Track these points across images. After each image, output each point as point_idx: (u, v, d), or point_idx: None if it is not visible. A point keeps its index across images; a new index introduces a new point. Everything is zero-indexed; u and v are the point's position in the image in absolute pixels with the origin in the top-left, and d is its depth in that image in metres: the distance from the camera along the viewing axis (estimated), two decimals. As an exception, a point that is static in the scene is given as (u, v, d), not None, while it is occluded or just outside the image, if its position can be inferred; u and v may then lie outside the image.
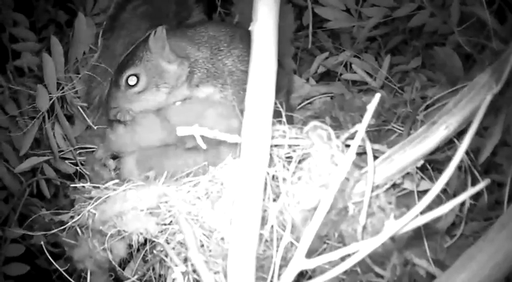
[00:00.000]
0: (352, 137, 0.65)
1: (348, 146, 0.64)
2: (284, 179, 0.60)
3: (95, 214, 0.63)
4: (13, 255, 0.94)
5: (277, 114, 0.60)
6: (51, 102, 0.77)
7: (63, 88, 0.79)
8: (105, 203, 0.63)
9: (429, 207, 0.47)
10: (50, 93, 0.78)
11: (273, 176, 0.61)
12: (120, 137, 0.75)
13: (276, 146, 0.62)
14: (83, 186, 0.69)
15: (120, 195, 0.62)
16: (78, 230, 0.68)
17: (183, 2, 0.89)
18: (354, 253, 0.47)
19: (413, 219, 0.46)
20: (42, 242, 0.71)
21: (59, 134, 0.83)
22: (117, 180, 0.68)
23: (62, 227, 0.68)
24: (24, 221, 1.00)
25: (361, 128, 0.51)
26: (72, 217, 0.67)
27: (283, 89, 0.81)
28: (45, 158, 0.87)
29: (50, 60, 0.75)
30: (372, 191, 0.63)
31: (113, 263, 0.67)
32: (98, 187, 0.67)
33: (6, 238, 0.94)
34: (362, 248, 0.47)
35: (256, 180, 0.52)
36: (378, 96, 0.50)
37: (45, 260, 0.99)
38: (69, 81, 0.80)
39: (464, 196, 0.45)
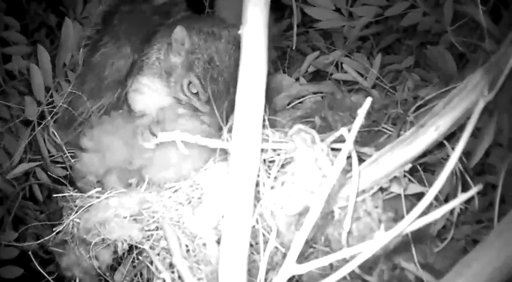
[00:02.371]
0: (337, 140, 0.64)
1: (333, 149, 0.63)
2: (264, 184, 0.59)
3: (79, 223, 0.63)
4: (7, 258, 0.94)
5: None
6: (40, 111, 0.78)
7: (52, 95, 0.79)
8: (89, 212, 0.63)
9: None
10: (39, 101, 0.78)
11: (256, 181, 0.60)
12: (86, 164, 0.74)
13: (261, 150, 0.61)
14: (71, 195, 0.69)
15: (102, 203, 0.62)
16: (66, 238, 0.68)
17: (166, 12, 0.86)
18: (344, 261, 0.47)
19: (404, 229, 0.45)
20: (30, 252, 0.71)
21: (49, 139, 0.83)
22: (99, 189, 0.67)
23: (48, 237, 0.68)
24: (18, 223, 1.01)
25: (349, 137, 0.50)
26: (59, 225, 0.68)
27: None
28: (37, 163, 0.87)
29: (37, 71, 0.75)
30: (358, 195, 0.63)
31: (98, 271, 0.67)
32: (81, 196, 0.67)
33: (0, 241, 0.94)
34: (351, 256, 0.46)
35: (246, 186, 0.51)
36: (369, 100, 0.49)
37: (39, 263, 1.00)
38: (58, 86, 0.80)
39: (455, 202, 0.45)
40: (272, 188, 0.59)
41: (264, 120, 0.61)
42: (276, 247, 0.61)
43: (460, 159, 0.70)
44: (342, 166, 0.49)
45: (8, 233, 0.95)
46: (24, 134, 0.82)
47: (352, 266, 0.46)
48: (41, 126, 0.82)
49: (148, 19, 0.81)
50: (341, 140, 0.61)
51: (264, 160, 0.61)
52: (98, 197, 0.64)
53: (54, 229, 0.69)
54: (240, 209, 0.51)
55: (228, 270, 0.51)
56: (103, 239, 0.63)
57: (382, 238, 0.45)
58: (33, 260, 0.72)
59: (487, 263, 0.48)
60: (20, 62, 0.88)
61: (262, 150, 0.61)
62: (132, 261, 0.72)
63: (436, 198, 0.68)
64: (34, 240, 0.88)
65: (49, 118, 0.80)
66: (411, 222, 0.45)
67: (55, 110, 0.79)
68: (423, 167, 0.72)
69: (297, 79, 0.94)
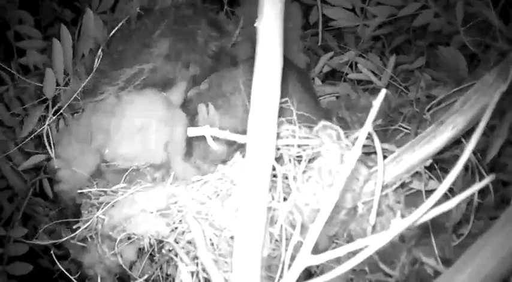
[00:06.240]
0: (361, 136, 0.65)
1: (357, 145, 0.64)
2: (294, 178, 0.59)
3: (103, 219, 0.63)
4: (16, 254, 0.93)
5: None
6: (58, 91, 0.76)
7: (69, 80, 0.78)
8: (114, 208, 0.63)
9: (436, 205, 0.47)
10: (57, 83, 0.77)
11: (283, 176, 0.61)
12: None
13: (287, 145, 0.62)
14: (90, 191, 0.68)
15: (128, 199, 0.62)
16: (89, 235, 0.67)
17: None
18: (360, 250, 0.47)
19: (420, 217, 0.46)
20: (50, 247, 0.71)
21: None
22: (124, 184, 0.67)
23: (71, 235, 0.68)
24: (27, 220, 1.00)
25: (367, 123, 0.51)
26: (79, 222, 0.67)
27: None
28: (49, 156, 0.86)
29: (59, 47, 0.74)
30: (381, 190, 0.64)
31: (124, 267, 0.66)
32: (105, 191, 0.66)
33: (10, 237, 0.93)
34: (369, 245, 0.47)
35: (261, 179, 0.52)
36: (383, 92, 0.49)
37: (48, 259, 1.00)
38: (76, 75, 0.79)
39: (470, 191, 0.45)
40: (300, 182, 0.60)
41: (291, 116, 0.62)
42: (301, 243, 0.61)
43: (476, 157, 0.72)
44: (360, 150, 0.49)
45: (17, 229, 0.94)
46: (33, 114, 0.80)
47: (370, 251, 0.46)
48: (55, 108, 0.79)
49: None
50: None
51: (291, 155, 0.61)
52: (123, 193, 0.63)
53: (75, 226, 0.68)
54: (255, 203, 0.51)
55: (242, 264, 0.51)
56: (128, 235, 0.62)
57: (399, 225, 0.45)
58: (53, 255, 0.71)
59: (493, 253, 0.49)
60: (35, 56, 0.88)
61: (288, 145, 0.63)
62: (151, 256, 0.72)
63: (453, 194, 0.70)
64: (47, 236, 0.87)
65: (63, 100, 0.77)
66: (428, 210, 0.46)
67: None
68: (439, 165, 0.73)
69: (312, 79, 0.95)
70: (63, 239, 0.69)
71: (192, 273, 0.62)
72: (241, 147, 0.63)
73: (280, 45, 0.53)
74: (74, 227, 0.70)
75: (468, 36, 0.86)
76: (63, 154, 0.75)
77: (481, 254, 0.49)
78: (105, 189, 0.66)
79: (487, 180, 0.44)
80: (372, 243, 0.46)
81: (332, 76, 0.98)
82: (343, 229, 0.65)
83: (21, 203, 0.94)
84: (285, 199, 0.61)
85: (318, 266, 0.67)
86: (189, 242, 0.63)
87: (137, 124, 0.68)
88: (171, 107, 0.71)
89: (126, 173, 0.66)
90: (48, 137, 0.78)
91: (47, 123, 0.77)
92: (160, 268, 0.72)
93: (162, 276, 0.72)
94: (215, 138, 0.64)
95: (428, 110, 0.79)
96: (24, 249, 0.94)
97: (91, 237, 0.68)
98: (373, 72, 0.90)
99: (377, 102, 0.49)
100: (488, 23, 0.84)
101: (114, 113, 0.69)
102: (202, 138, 0.66)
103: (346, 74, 0.93)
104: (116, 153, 0.69)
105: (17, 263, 0.93)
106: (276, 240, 0.63)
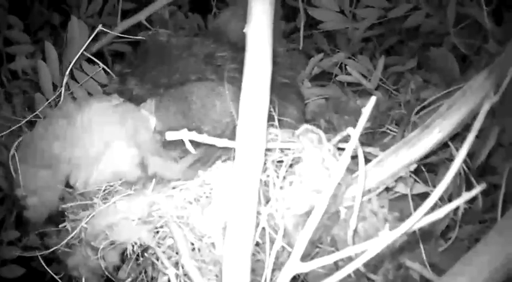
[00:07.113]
0: (344, 140, 0.65)
1: (340, 148, 0.64)
2: (274, 184, 0.59)
3: (86, 228, 0.63)
4: (9, 257, 0.94)
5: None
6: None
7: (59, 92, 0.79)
8: (95, 217, 0.63)
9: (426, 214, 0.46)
10: (47, 98, 0.77)
11: (264, 181, 0.61)
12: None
13: (268, 150, 0.62)
14: (72, 194, 0.68)
15: (110, 208, 0.61)
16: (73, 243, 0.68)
17: None
18: (349, 260, 0.47)
19: (410, 228, 0.45)
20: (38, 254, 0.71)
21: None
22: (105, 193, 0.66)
23: (58, 246, 0.68)
24: (20, 223, 1.00)
25: (354, 133, 0.50)
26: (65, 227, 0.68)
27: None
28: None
29: (45, 68, 0.74)
30: (364, 195, 0.63)
31: (105, 271, 0.66)
32: (85, 199, 0.66)
33: (2, 240, 0.94)
34: (357, 256, 0.46)
35: (250, 185, 0.51)
36: (373, 99, 0.49)
37: (40, 262, 1.00)
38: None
39: (459, 201, 0.45)
40: (281, 188, 0.59)
41: (273, 121, 0.62)
42: (283, 247, 0.61)
43: (464, 160, 0.70)
44: (347, 162, 0.49)
45: (9, 232, 0.95)
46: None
47: (357, 264, 0.46)
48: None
49: None
50: (347, 140, 0.62)
51: (273, 160, 0.61)
52: (105, 202, 0.63)
53: (60, 226, 0.69)
54: (244, 209, 0.51)
55: (232, 270, 0.51)
56: (111, 242, 0.62)
57: (387, 237, 0.45)
58: (40, 259, 0.72)
59: (488, 261, 0.48)
60: (24, 61, 0.88)
61: (270, 150, 0.62)
62: (137, 259, 0.72)
63: (441, 198, 0.69)
64: (37, 238, 0.88)
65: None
66: (416, 221, 0.45)
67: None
68: (427, 167, 0.72)
69: (302, 81, 0.94)
70: (50, 250, 0.69)
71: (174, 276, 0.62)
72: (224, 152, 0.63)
73: (269, 50, 0.52)
74: (60, 226, 0.70)
75: (460, 37, 0.84)
76: (27, 182, 0.71)
77: (475, 263, 0.49)
78: (86, 202, 0.66)
79: (477, 189, 0.44)
80: (361, 253, 0.45)
81: (322, 78, 0.97)
82: (327, 234, 0.64)
83: (13, 206, 0.94)
84: (266, 203, 0.60)
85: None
86: (170, 247, 0.63)
87: (103, 144, 0.65)
88: (134, 110, 0.69)
89: (102, 190, 0.66)
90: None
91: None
92: (145, 272, 0.72)
93: (147, 280, 0.73)
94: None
95: (417, 112, 0.78)
96: (16, 252, 0.94)
97: (76, 243, 0.68)
98: (362, 74, 0.89)
99: (366, 110, 0.49)
100: (479, 24, 0.83)
101: (73, 135, 0.66)
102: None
103: (336, 75, 0.92)
104: (87, 183, 0.67)
105: (10, 266, 0.94)
106: (258, 245, 0.63)
